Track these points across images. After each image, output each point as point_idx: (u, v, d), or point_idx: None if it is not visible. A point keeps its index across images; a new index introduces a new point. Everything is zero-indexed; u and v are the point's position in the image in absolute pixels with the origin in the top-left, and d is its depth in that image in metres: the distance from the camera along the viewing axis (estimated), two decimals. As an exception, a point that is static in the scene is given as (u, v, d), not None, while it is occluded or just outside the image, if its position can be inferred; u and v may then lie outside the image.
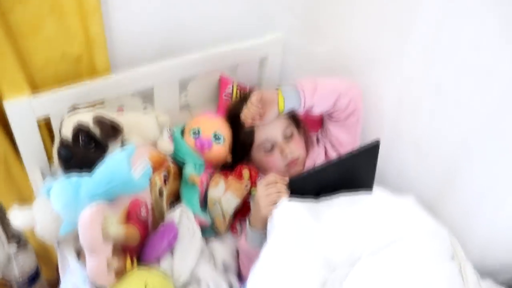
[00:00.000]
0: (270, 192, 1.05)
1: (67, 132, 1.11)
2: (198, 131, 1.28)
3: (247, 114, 1.21)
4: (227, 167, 1.32)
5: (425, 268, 0.99)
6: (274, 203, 1.03)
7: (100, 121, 1.10)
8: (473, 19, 1.02)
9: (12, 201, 1.34)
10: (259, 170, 1.30)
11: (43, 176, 1.28)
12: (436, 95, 1.16)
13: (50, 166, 1.31)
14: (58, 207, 1.01)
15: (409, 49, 1.18)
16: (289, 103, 1.22)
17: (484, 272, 1.12)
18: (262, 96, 1.21)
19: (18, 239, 1.47)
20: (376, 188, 1.20)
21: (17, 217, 1.07)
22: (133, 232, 1.04)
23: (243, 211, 1.23)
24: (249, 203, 1.23)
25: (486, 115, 1.06)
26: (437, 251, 1.05)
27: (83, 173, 1.04)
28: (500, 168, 1.06)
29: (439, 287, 0.96)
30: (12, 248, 1.42)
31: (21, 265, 1.44)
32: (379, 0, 1.21)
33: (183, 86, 1.45)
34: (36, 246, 1.51)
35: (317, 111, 1.26)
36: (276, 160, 1.27)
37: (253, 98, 1.20)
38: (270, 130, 1.26)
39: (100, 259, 0.97)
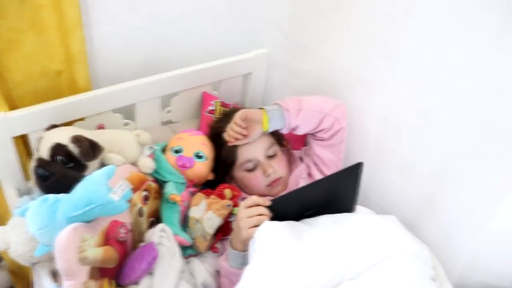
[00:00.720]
0: (251, 214, 1.03)
1: (45, 151, 1.08)
2: (180, 149, 1.26)
3: (231, 133, 1.20)
4: (209, 186, 1.31)
5: (407, 288, 0.99)
6: (255, 225, 1.02)
7: (79, 140, 1.08)
8: (459, 41, 1.03)
9: (-13, 219, 1.31)
10: (241, 189, 1.29)
11: (19, 193, 1.25)
12: (419, 116, 1.17)
13: (26, 184, 1.27)
14: (34, 229, 0.98)
15: (394, 69, 1.19)
16: (273, 123, 1.21)
17: (464, 292, 1.13)
18: (246, 115, 1.20)
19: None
20: (359, 208, 1.20)
21: (-9, 238, 1.05)
22: (112, 254, 1.02)
23: (224, 230, 1.21)
24: (230, 222, 1.21)
25: (469, 137, 1.07)
26: (419, 273, 1.05)
27: (61, 194, 1.02)
28: (481, 190, 1.07)
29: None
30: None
31: (-5, 283, 1.41)
32: (366, 19, 1.22)
33: (165, 102, 1.43)
34: (11, 264, 1.47)
35: (301, 131, 1.26)
36: (259, 179, 1.26)
37: (237, 117, 1.19)
38: (252, 150, 1.25)
39: (76, 282, 0.94)
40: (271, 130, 1.23)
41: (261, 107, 1.24)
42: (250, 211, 1.04)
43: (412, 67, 1.14)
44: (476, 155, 1.07)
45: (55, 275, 1.08)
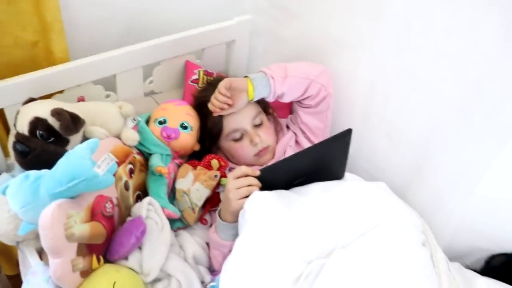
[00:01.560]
0: (241, 185, 1.01)
1: (23, 126, 1.04)
2: (164, 120, 1.23)
3: (215, 103, 1.17)
4: (195, 157, 1.28)
5: (399, 255, 0.99)
6: (245, 196, 1.00)
7: (59, 113, 1.03)
8: (448, 3, 1.00)
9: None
10: (228, 159, 1.27)
11: (-1, 170, 1.22)
12: (407, 81, 1.15)
13: (6, 161, 1.23)
14: (16, 207, 0.95)
15: (382, 33, 1.15)
16: (259, 91, 1.18)
17: (452, 256, 1.14)
18: (230, 84, 1.16)
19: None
20: (348, 175, 1.20)
21: (-28, 217, 1.01)
22: (99, 230, 1.00)
23: (212, 201, 1.19)
24: (218, 193, 1.20)
25: (457, 102, 1.06)
26: (410, 238, 1.05)
27: (43, 169, 0.98)
28: (470, 155, 1.07)
29: (413, 274, 0.96)
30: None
31: (-20, 263, 1.37)
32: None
33: (147, 72, 1.39)
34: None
35: (287, 98, 1.23)
36: (246, 148, 1.24)
37: (221, 86, 1.16)
38: (239, 119, 1.22)
39: (64, 260, 0.92)
40: (256, 98, 1.20)
41: (246, 75, 1.21)
42: (239, 181, 1.02)
43: (400, 31, 1.11)
44: (464, 120, 1.06)
45: (41, 253, 1.06)
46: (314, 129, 1.30)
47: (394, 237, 1.02)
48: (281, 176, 1.09)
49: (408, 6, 1.08)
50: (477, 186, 1.07)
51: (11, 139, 1.09)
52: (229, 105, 1.18)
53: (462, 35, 1.00)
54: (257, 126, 1.25)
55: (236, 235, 1.05)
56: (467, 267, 1.14)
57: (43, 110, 1.04)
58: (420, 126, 1.16)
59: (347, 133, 1.11)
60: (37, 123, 1.03)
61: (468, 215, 1.12)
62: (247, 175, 1.03)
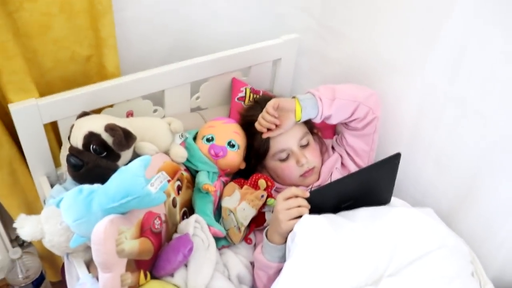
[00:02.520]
0: (290, 206, 1.01)
1: (77, 140, 1.06)
2: (212, 138, 1.23)
3: (263, 123, 1.17)
4: (240, 175, 1.28)
5: (448, 286, 0.96)
6: (295, 217, 1.00)
7: (112, 129, 1.05)
8: (503, 29, 0.98)
9: (17, 206, 1.31)
10: (273, 179, 1.26)
11: (49, 180, 1.24)
12: (458, 107, 1.13)
13: (56, 171, 1.26)
14: (69, 221, 0.96)
15: (434, 58, 1.14)
16: (306, 112, 1.17)
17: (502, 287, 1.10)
18: (279, 104, 1.16)
19: (22, 242, 1.43)
20: (394, 199, 1.18)
21: (24, 227, 1.04)
22: (148, 246, 1.01)
23: (257, 221, 1.19)
24: (264, 213, 1.19)
25: (509, 130, 1.03)
26: (459, 269, 1.03)
27: (94, 183, 1.00)
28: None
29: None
30: (16, 252, 1.38)
31: (25, 269, 1.40)
32: (405, 5, 1.17)
33: (194, 88, 1.40)
34: (40, 249, 1.47)
35: (334, 120, 1.22)
36: (292, 169, 1.23)
37: (269, 106, 1.16)
38: (286, 139, 1.21)
39: (113, 275, 0.93)
40: (304, 119, 1.19)
41: (294, 95, 1.20)
42: (289, 203, 1.02)
43: (452, 56, 1.10)
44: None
45: (89, 265, 1.08)
46: (359, 152, 1.29)
47: (442, 267, 1.00)
48: (329, 199, 1.08)
49: (463, 31, 1.06)
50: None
51: (64, 151, 1.11)
52: (276, 125, 1.18)
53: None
54: (304, 146, 1.24)
55: (282, 257, 1.04)
56: (519, 299, 1.10)
57: (97, 125, 1.06)
58: (469, 152, 1.14)
59: (396, 157, 1.09)
60: (91, 137, 1.05)
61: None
62: (296, 196, 1.03)
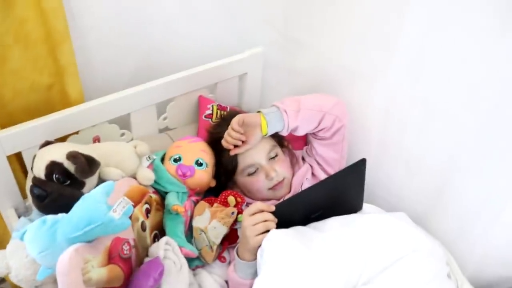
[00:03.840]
0: (257, 221, 1.01)
1: (40, 170, 1.05)
2: (179, 158, 1.23)
3: (229, 140, 1.16)
4: (211, 193, 1.27)
5: (424, 289, 0.96)
6: (262, 232, 0.99)
7: (74, 157, 1.04)
8: (460, 30, 1.00)
9: (-14, 241, 1.28)
10: (244, 194, 1.25)
11: (17, 213, 1.22)
12: (423, 109, 1.13)
13: (24, 203, 1.24)
14: (34, 253, 0.94)
15: (395, 62, 1.15)
16: (272, 126, 1.17)
17: (478, 286, 1.11)
18: (244, 120, 1.16)
19: (-5, 278, 1.40)
20: (367, 206, 1.18)
21: (-10, 263, 1.02)
22: (117, 273, 0.99)
23: (230, 238, 1.18)
24: (236, 230, 1.18)
25: (476, 128, 1.04)
26: (434, 272, 1.03)
27: (59, 213, 0.98)
28: (493, 182, 1.04)
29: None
30: (-11, 289, 1.35)
31: (-1, 305, 1.37)
32: (362, 13, 1.18)
33: (161, 109, 1.39)
34: (14, 285, 1.43)
35: (301, 132, 1.22)
36: (261, 182, 1.22)
37: (234, 123, 1.15)
38: (254, 154, 1.21)
39: (82, 305, 0.91)
40: (270, 133, 1.19)
41: (259, 110, 1.20)
42: (255, 218, 1.01)
43: (413, 59, 1.11)
44: (485, 146, 1.04)
45: (59, 297, 1.06)
46: (330, 161, 1.29)
47: (417, 271, 1.00)
48: (297, 210, 1.07)
49: (421, 34, 1.07)
50: (502, 213, 1.04)
51: (29, 182, 1.09)
52: (242, 141, 1.17)
53: (477, 61, 0.99)
54: (272, 159, 1.24)
55: (255, 273, 1.03)
56: (496, 297, 1.10)
57: (59, 153, 1.05)
58: (438, 153, 1.14)
59: (361, 163, 1.10)
60: (53, 167, 1.04)
61: (494, 243, 1.09)
62: (262, 211, 1.02)
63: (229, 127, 1.16)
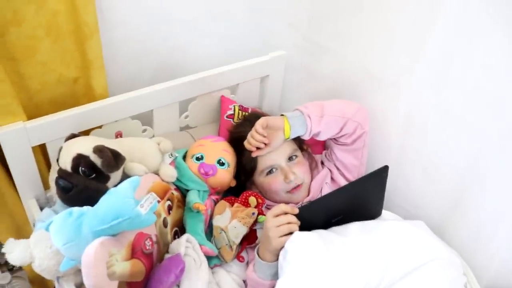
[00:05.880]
0: (280, 223, 1.01)
1: (66, 162, 1.05)
2: (202, 156, 1.23)
3: (252, 142, 1.17)
4: (230, 192, 1.28)
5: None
6: (285, 234, 1.00)
7: (101, 150, 1.05)
8: (486, 41, 1.01)
9: (5, 230, 1.29)
10: (263, 195, 1.26)
11: (38, 203, 1.23)
12: (445, 117, 1.14)
13: (45, 194, 1.25)
14: (59, 244, 0.95)
15: (420, 70, 1.16)
16: (295, 130, 1.18)
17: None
18: (267, 123, 1.17)
19: (11, 267, 1.41)
20: (385, 212, 1.18)
21: (13, 252, 1.02)
22: (139, 268, 1.00)
23: (249, 238, 1.18)
24: (255, 230, 1.19)
25: (496, 138, 1.05)
26: (451, 280, 1.03)
27: (84, 205, 0.99)
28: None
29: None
30: (5, 277, 1.36)
31: (14, 294, 1.38)
32: (389, 20, 1.19)
33: (183, 107, 1.40)
34: (31, 273, 1.45)
35: (323, 137, 1.23)
36: (279, 184, 1.23)
37: (258, 125, 1.16)
38: (274, 156, 1.22)
39: (104, 298, 0.92)
40: (292, 137, 1.20)
41: (282, 113, 1.21)
42: (279, 220, 1.02)
43: (438, 68, 1.12)
44: (505, 156, 1.05)
45: (79, 287, 1.06)
46: (349, 166, 1.30)
47: (436, 280, 1.00)
48: (319, 214, 1.08)
49: (447, 43, 1.08)
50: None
51: (53, 174, 1.10)
52: (265, 144, 1.18)
53: (500, 71, 1.00)
54: (292, 162, 1.25)
55: (275, 274, 1.04)
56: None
57: (85, 147, 1.06)
58: (458, 161, 1.15)
59: (384, 170, 1.10)
60: (79, 159, 1.05)
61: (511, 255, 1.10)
62: (286, 213, 1.03)
63: (253, 129, 1.17)
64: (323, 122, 1.18)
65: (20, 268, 1.40)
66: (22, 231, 1.32)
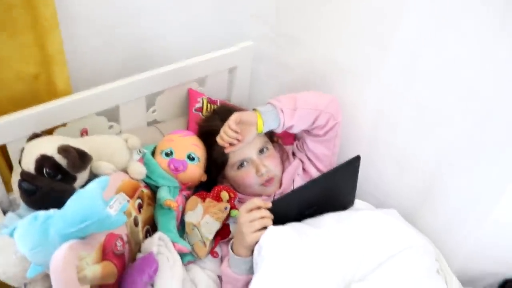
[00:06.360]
0: (254, 218, 1.00)
1: (29, 164, 1.01)
2: (171, 152, 1.21)
3: (225, 138, 1.14)
4: (202, 187, 1.26)
5: (416, 285, 0.98)
6: (258, 229, 0.99)
7: (66, 150, 1.01)
8: (457, 32, 1.01)
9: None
10: (235, 189, 1.24)
11: (1, 207, 1.18)
12: (415, 108, 1.15)
13: (8, 196, 1.20)
14: (25, 250, 0.91)
15: (389, 61, 1.16)
16: (268, 124, 1.16)
17: (465, 280, 1.14)
18: (240, 118, 1.14)
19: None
20: (358, 202, 1.19)
21: (-24, 260, 0.98)
22: (111, 269, 0.97)
23: (222, 233, 1.17)
24: (228, 225, 1.18)
25: (467, 129, 1.06)
26: (426, 268, 1.05)
27: (50, 208, 0.95)
28: (482, 182, 1.07)
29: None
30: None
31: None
32: (358, 10, 1.18)
33: (150, 101, 1.37)
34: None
35: (296, 130, 1.22)
36: (251, 177, 1.21)
37: (231, 121, 1.13)
38: (245, 149, 1.19)
39: (76, 303, 0.89)
40: (265, 131, 1.18)
41: (255, 108, 1.19)
42: (252, 215, 1.01)
43: (408, 59, 1.12)
44: (475, 147, 1.06)
45: (49, 294, 1.03)
46: (321, 157, 1.29)
47: (410, 268, 1.02)
48: (292, 207, 1.08)
49: (416, 34, 1.08)
50: (491, 212, 1.07)
51: (16, 176, 1.06)
52: (238, 140, 1.16)
53: (472, 64, 1.01)
54: (263, 154, 1.23)
55: (249, 269, 1.03)
56: (481, 291, 1.14)
57: (49, 147, 1.02)
58: (429, 152, 1.16)
59: (356, 160, 1.11)
60: (43, 161, 1.01)
61: (482, 240, 1.12)
62: (259, 207, 1.02)
63: (226, 124, 1.14)
64: (296, 116, 1.17)
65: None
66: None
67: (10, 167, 1.19)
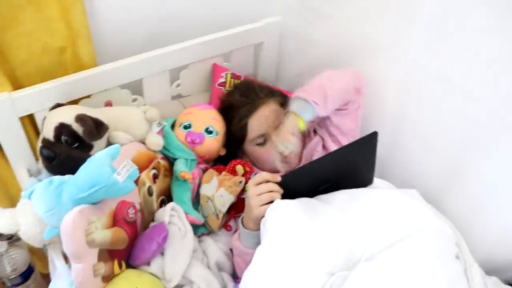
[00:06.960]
0: (261, 191, 0.99)
1: (49, 132, 1.05)
2: (189, 125, 1.22)
3: (286, 153, 1.13)
4: (222, 161, 1.27)
5: (427, 269, 0.94)
6: (266, 202, 0.98)
7: (82, 119, 1.04)
8: (485, 3, 0.94)
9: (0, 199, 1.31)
10: (253, 164, 1.24)
11: (30, 174, 1.24)
12: (441, 85, 1.09)
13: (37, 164, 1.26)
14: (40, 212, 0.96)
15: (415, 34, 1.10)
16: (306, 119, 1.13)
17: (490, 269, 1.07)
18: (292, 131, 1.12)
19: (9, 236, 1.43)
20: (378, 181, 1.15)
21: (0, 220, 1.03)
22: (121, 236, 1.00)
23: (237, 207, 1.17)
24: (243, 199, 1.17)
25: (496, 105, 0.99)
26: (440, 251, 1.00)
27: (67, 174, 0.99)
28: (510, 161, 0.99)
29: (441, 288, 0.91)
30: (1, 246, 1.39)
31: (13, 262, 1.41)
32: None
33: (174, 76, 1.38)
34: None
35: (327, 115, 1.20)
36: (270, 153, 1.20)
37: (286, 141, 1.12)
38: (264, 124, 1.19)
39: (85, 265, 0.92)
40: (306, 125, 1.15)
41: (287, 110, 1.15)
42: (260, 188, 0.99)
43: (434, 32, 1.05)
44: (504, 125, 0.99)
45: (66, 257, 1.08)
46: (345, 130, 1.25)
47: (423, 250, 0.97)
48: (304, 182, 1.05)
49: (443, 7, 1.02)
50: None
51: (39, 144, 1.11)
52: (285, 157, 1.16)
53: (498, 36, 0.94)
54: (283, 131, 1.21)
55: (258, 243, 1.02)
56: (506, 282, 1.07)
57: (67, 116, 1.05)
58: (455, 130, 1.10)
59: (373, 136, 1.06)
60: (61, 128, 1.04)
61: (508, 227, 1.05)
62: (268, 181, 1.00)
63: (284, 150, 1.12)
64: (329, 104, 1.14)
65: (19, 238, 1.42)
66: (16, 201, 1.34)
67: (39, 136, 1.24)
